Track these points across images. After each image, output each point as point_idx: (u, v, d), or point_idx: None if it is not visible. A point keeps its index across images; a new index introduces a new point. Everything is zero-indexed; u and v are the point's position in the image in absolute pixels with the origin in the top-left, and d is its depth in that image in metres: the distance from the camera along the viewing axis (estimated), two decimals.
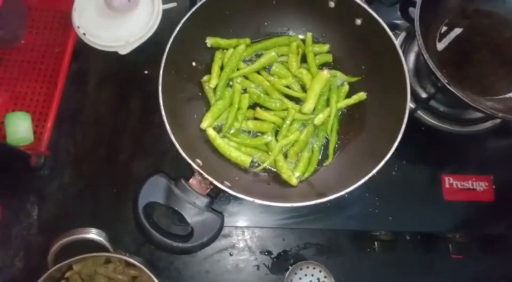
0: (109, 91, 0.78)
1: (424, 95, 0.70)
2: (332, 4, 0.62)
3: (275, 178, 0.62)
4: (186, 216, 0.51)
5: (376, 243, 0.66)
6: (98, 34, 0.75)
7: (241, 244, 0.70)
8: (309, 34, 0.67)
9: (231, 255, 0.70)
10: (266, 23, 0.68)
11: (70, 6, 0.76)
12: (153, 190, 0.52)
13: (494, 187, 0.68)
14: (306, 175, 0.61)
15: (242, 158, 0.61)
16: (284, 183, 0.60)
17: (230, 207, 0.67)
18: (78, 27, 0.76)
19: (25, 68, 0.78)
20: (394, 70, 0.57)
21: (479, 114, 0.70)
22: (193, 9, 0.59)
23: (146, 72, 0.79)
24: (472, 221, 0.67)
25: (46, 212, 0.71)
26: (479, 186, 0.68)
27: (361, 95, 0.64)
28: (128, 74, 0.80)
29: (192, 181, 0.53)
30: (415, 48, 0.74)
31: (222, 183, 0.51)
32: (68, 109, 0.77)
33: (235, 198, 0.55)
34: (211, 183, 0.51)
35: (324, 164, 0.63)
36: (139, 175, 0.73)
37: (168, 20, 0.79)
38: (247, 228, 0.69)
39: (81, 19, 0.76)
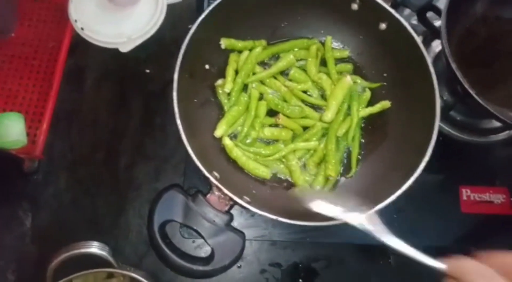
0: (108, 91, 0.73)
1: (441, 103, 0.68)
2: (355, 7, 0.58)
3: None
4: (205, 236, 0.47)
5: (391, 256, 0.64)
6: (97, 30, 0.70)
7: (250, 256, 0.67)
8: (329, 38, 0.63)
9: (239, 267, 0.66)
10: (283, 25, 0.64)
11: None
12: (169, 207, 0.48)
13: (511, 199, 0.66)
14: (326, 188, 0.58)
15: (262, 169, 0.57)
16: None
17: (240, 218, 0.63)
18: (76, 21, 0.70)
19: (16, 64, 0.72)
20: (420, 79, 0.55)
21: (497, 124, 0.68)
22: (210, 8, 0.55)
23: (147, 71, 0.75)
24: (489, 234, 0.65)
25: (41, 221, 0.66)
26: (496, 198, 0.66)
27: (385, 103, 0.61)
28: (128, 73, 0.75)
29: (210, 196, 0.49)
30: (431, 54, 0.72)
31: (241, 198, 0.48)
32: (63, 109, 0.71)
33: (248, 210, 0.52)
34: (231, 199, 0.47)
35: (348, 175, 0.60)
36: (141, 182, 0.69)
37: (171, 16, 0.74)
38: (255, 240, 0.65)
39: (78, 12, 0.71)
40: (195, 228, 0.47)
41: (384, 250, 0.65)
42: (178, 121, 0.49)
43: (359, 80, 0.63)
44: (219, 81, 0.62)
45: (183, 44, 0.55)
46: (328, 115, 0.59)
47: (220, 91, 0.62)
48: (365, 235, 0.63)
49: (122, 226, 0.66)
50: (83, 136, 0.71)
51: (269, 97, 0.60)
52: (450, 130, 0.68)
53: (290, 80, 0.63)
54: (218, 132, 0.58)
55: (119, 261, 0.59)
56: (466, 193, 0.66)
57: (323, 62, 0.64)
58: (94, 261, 0.57)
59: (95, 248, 0.55)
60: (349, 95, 0.61)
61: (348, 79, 0.60)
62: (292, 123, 0.60)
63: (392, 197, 0.49)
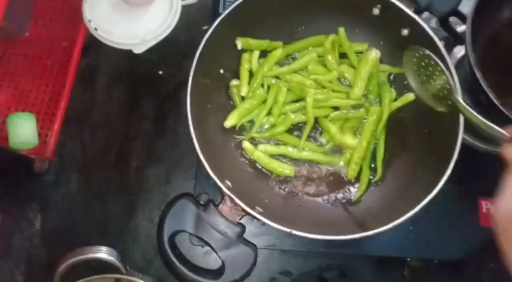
0: (120, 92, 0.73)
1: None
2: (376, 11, 0.56)
3: (307, 202, 0.57)
4: (216, 248, 0.46)
5: (406, 268, 0.62)
6: (111, 30, 0.69)
7: (260, 264, 0.65)
8: (341, 29, 0.61)
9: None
10: (300, 29, 0.63)
11: None
12: (180, 217, 0.46)
13: None
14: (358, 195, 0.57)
15: (286, 167, 0.57)
16: (317, 206, 0.55)
17: (251, 226, 0.62)
18: (89, 21, 0.69)
19: (29, 63, 0.71)
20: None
21: None
22: (227, 11, 0.54)
23: (160, 72, 0.74)
24: None
25: (50, 222, 0.66)
26: None
27: (409, 96, 0.59)
28: (141, 74, 0.74)
29: (222, 207, 0.47)
30: (453, 60, 0.69)
31: (253, 209, 0.46)
32: (75, 110, 0.71)
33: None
34: (243, 209, 0.46)
35: (373, 180, 0.58)
36: (151, 185, 0.68)
37: (186, 17, 0.73)
38: (266, 249, 0.64)
39: (92, 12, 0.70)
40: (205, 239, 0.46)
41: (398, 262, 0.63)
42: (191, 128, 0.48)
43: (385, 66, 0.61)
44: (234, 82, 0.61)
45: (200, 45, 0.53)
46: (355, 91, 0.58)
47: (235, 90, 0.60)
48: (380, 246, 0.62)
49: (132, 229, 0.66)
50: (95, 138, 0.70)
51: (293, 84, 0.59)
52: (471, 139, 0.65)
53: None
54: (228, 123, 0.57)
55: (127, 266, 0.58)
56: (485, 205, 0.64)
57: (342, 56, 0.63)
58: (102, 265, 0.57)
59: (103, 253, 0.55)
60: (377, 75, 0.59)
61: (374, 52, 0.58)
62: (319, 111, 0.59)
63: (412, 212, 0.47)
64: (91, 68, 0.73)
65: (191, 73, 0.51)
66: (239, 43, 0.60)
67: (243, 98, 0.61)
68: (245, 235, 0.58)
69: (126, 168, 0.69)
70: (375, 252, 0.62)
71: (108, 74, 0.73)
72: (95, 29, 0.69)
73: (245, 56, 0.62)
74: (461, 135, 0.53)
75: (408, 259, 0.62)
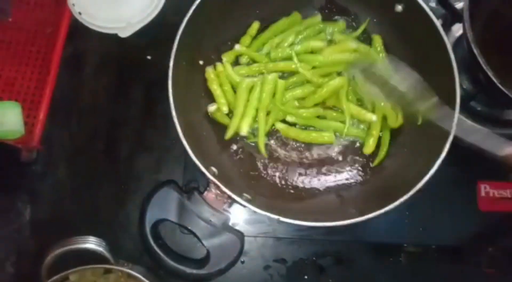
0: (107, 78, 0.70)
1: (461, 92, 0.63)
2: None
3: (298, 188, 0.55)
4: (200, 237, 0.44)
5: (402, 254, 0.60)
6: (95, 14, 0.67)
7: (254, 252, 0.64)
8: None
9: (242, 262, 0.64)
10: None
11: None
12: (163, 205, 0.45)
13: None
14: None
15: (325, 135, 0.56)
16: (309, 192, 0.53)
17: (243, 213, 0.60)
18: (73, 5, 0.67)
19: (13, 50, 0.69)
20: (439, 66, 0.50)
21: None
22: None
23: (149, 57, 0.71)
24: (509, 234, 0.61)
25: (40, 212, 0.64)
26: None
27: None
28: (129, 59, 0.71)
29: (207, 194, 0.46)
30: (451, 39, 0.67)
31: (240, 196, 0.44)
32: (62, 97, 0.69)
33: None
34: (229, 197, 0.44)
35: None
36: (141, 173, 0.66)
37: None
38: (259, 236, 0.62)
39: None
40: (189, 228, 0.44)
41: (395, 248, 0.62)
42: (174, 113, 0.46)
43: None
44: (211, 107, 0.58)
45: (180, 28, 0.51)
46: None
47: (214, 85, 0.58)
48: (376, 233, 0.61)
49: (122, 218, 0.64)
50: (82, 126, 0.68)
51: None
52: (470, 121, 0.63)
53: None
54: (243, 130, 0.56)
55: (117, 256, 0.57)
56: (484, 188, 0.62)
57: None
58: (91, 256, 0.56)
59: (91, 243, 0.54)
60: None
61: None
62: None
63: (405, 197, 0.46)
64: (77, 54, 0.71)
65: (172, 56, 0.48)
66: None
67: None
68: (237, 223, 0.56)
69: (115, 156, 0.67)
70: (371, 238, 0.61)
71: (95, 60, 0.71)
72: (79, 13, 0.67)
73: (210, 74, 0.59)
74: (457, 115, 0.51)
75: (405, 245, 0.61)
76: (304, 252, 0.64)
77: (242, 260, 0.63)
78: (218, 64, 0.58)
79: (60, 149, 0.67)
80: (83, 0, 0.67)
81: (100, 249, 0.53)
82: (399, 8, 0.53)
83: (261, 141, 0.56)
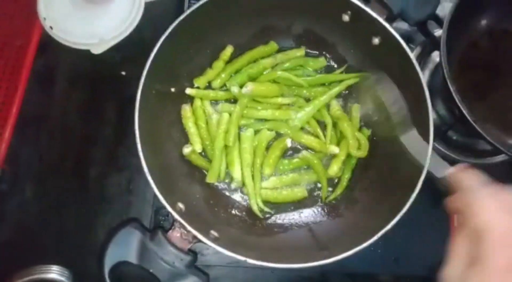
0: (79, 95, 0.68)
1: (438, 120, 0.63)
2: (346, 18, 0.52)
3: (269, 224, 0.54)
4: (163, 280, 0.42)
5: None
6: (67, 29, 0.64)
7: (226, 278, 0.63)
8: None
9: None
10: (265, 33, 0.58)
11: None
12: (124, 246, 0.43)
13: None
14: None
15: (296, 192, 0.56)
16: (282, 229, 0.52)
17: None
18: (44, 19, 0.64)
19: None
20: (414, 100, 0.49)
21: None
22: (188, 13, 0.49)
23: (123, 73, 0.69)
24: None
25: (3, 235, 0.62)
26: None
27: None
28: (102, 75, 0.69)
29: (172, 233, 0.44)
30: (430, 65, 0.67)
31: (207, 234, 0.43)
32: (31, 114, 0.66)
33: None
34: (195, 236, 0.43)
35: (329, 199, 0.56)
36: (112, 194, 0.64)
37: (150, 14, 0.68)
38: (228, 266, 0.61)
39: (48, 9, 0.65)
40: (151, 271, 0.43)
41: (368, 277, 0.62)
42: (139, 145, 0.44)
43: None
44: (186, 150, 0.56)
45: (152, 51, 0.49)
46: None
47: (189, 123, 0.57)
48: (350, 262, 0.60)
49: (90, 244, 0.62)
50: (52, 144, 0.66)
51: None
52: (445, 150, 0.63)
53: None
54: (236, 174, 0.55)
55: None
56: (458, 218, 0.62)
57: None
58: None
59: (54, 273, 0.52)
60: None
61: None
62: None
63: (379, 234, 0.45)
64: (48, 69, 0.68)
65: (141, 82, 0.46)
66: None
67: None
68: (207, 252, 0.55)
69: (86, 176, 0.65)
70: (344, 268, 0.60)
71: (67, 75, 0.68)
72: (51, 27, 0.64)
73: (185, 112, 0.58)
74: (430, 151, 0.50)
75: (378, 275, 0.60)
76: (277, 279, 0.63)
77: None
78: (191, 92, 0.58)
79: (27, 168, 0.64)
80: (54, 15, 0.64)
81: (63, 279, 0.51)
82: (376, 41, 0.52)
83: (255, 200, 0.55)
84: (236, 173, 0.55)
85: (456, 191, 0.41)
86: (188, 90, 0.57)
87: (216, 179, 0.55)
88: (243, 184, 0.55)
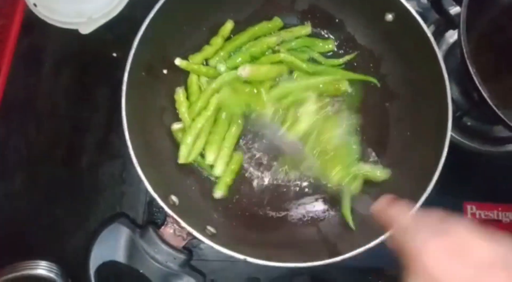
0: (68, 78, 0.64)
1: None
2: None
3: (270, 218, 0.50)
4: (153, 281, 0.39)
5: (382, 278, 0.57)
6: (53, 7, 0.60)
7: (226, 271, 0.60)
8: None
9: (212, 281, 0.60)
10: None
11: None
12: (111, 244, 0.39)
13: None
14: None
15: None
16: (283, 223, 0.49)
17: None
18: None
19: None
20: (430, 80, 0.45)
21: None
22: None
23: (114, 54, 0.65)
24: None
25: None
26: (505, 216, 0.58)
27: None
28: (93, 57, 0.65)
29: (165, 229, 0.40)
30: (444, 46, 0.62)
31: (203, 230, 0.39)
32: (17, 98, 0.63)
33: None
34: (190, 233, 0.39)
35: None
36: (105, 183, 0.61)
37: None
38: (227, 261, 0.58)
39: None
40: (141, 271, 0.39)
41: (374, 271, 0.59)
42: (126, 133, 0.40)
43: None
44: (175, 125, 0.52)
45: (139, 32, 0.44)
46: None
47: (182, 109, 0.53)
48: (357, 259, 0.57)
49: (83, 235, 0.59)
50: (40, 130, 0.62)
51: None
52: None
53: None
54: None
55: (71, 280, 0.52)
56: (471, 209, 0.59)
57: None
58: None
59: (42, 269, 0.49)
60: None
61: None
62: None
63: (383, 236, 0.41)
64: (35, 50, 0.64)
65: (128, 64, 0.42)
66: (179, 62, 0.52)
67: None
68: (203, 246, 0.52)
69: (77, 165, 0.62)
70: (350, 261, 0.57)
71: (54, 57, 0.64)
72: (34, 5, 0.60)
73: (179, 96, 0.53)
74: (448, 136, 0.47)
75: (385, 269, 0.57)
76: (278, 271, 0.60)
77: (212, 278, 0.59)
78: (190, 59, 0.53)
79: (15, 156, 0.61)
80: None
81: (52, 275, 0.49)
82: (389, 17, 0.47)
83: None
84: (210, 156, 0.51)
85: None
86: (178, 61, 0.52)
87: (186, 160, 0.51)
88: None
